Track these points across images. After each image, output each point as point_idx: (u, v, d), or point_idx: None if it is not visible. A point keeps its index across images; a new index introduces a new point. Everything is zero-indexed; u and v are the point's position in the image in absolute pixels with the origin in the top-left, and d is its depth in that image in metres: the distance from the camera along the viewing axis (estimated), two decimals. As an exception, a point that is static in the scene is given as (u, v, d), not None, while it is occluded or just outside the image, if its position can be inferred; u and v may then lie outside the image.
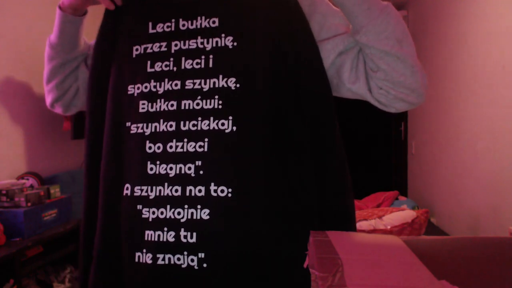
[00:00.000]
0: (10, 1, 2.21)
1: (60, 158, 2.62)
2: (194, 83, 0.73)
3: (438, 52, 3.35)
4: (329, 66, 0.77)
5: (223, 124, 0.71)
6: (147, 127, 0.74)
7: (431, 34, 3.54)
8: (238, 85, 0.71)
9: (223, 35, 0.73)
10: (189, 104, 0.73)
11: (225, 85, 0.71)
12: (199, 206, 0.70)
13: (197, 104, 0.72)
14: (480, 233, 2.54)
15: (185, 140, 0.72)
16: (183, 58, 0.75)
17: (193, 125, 0.72)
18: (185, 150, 0.72)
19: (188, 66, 0.74)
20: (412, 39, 0.76)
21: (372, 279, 0.44)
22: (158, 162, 0.73)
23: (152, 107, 0.75)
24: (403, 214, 2.49)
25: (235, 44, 0.72)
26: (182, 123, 0.72)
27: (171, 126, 0.73)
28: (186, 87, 0.73)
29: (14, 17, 2.24)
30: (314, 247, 0.53)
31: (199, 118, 0.72)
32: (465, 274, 0.49)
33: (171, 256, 0.70)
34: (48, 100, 0.94)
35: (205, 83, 0.72)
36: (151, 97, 0.75)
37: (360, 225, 2.48)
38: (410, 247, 0.54)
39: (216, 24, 0.74)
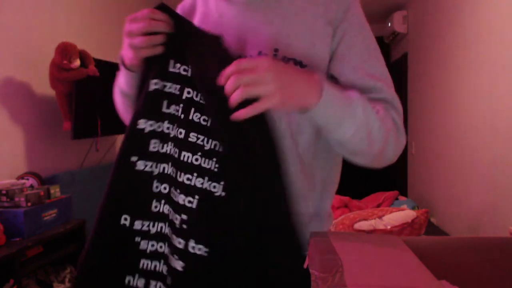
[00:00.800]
0: (10, 1, 2.21)
1: (60, 158, 2.62)
2: (197, 138, 0.72)
3: (438, 52, 3.35)
4: None
5: (214, 187, 0.72)
6: (156, 167, 0.75)
7: (431, 34, 3.54)
8: (233, 152, 0.71)
9: None
10: (188, 157, 0.73)
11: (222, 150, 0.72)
12: (176, 257, 0.73)
13: (196, 160, 0.72)
14: (480, 233, 2.54)
15: (178, 191, 0.73)
16: (192, 109, 0.73)
17: (188, 179, 0.72)
18: (175, 200, 0.73)
19: (196, 119, 0.73)
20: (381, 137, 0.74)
21: (372, 279, 0.44)
22: (163, 202, 0.75)
23: (162, 148, 0.75)
24: (403, 214, 2.49)
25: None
26: (179, 173, 0.73)
27: (173, 172, 0.74)
28: (189, 139, 0.73)
29: (14, 17, 2.24)
30: (314, 247, 0.53)
31: (195, 174, 0.72)
32: (465, 274, 0.49)
33: (161, 284, 0.75)
34: None
35: (207, 142, 0.72)
36: (163, 137, 0.75)
37: (360, 225, 2.48)
38: (410, 247, 0.54)
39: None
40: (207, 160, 0.72)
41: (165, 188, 0.75)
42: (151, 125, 0.75)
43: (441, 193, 3.31)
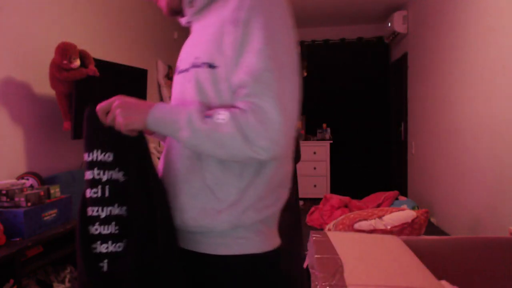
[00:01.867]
0: (10, 1, 2.21)
1: (60, 158, 2.62)
2: (93, 210, 0.86)
3: (438, 52, 3.35)
4: None
5: (119, 247, 0.86)
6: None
7: (431, 33, 3.54)
8: (129, 212, 0.87)
9: (117, 169, 0.88)
10: (89, 229, 0.87)
11: (119, 213, 0.87)
12: None
13: (96, 230, 0.86)
14: (480, 233, 2.54)
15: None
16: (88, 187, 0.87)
17: (94, 248, 0.86)
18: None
19: (89, 195, 0.86)
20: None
21: (372, 279, 0.44)
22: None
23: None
24: (403, 214, 2.49)
25: (125, 178, 0.88)
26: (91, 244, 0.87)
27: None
28: (88, 214, 0.87)
29: (14, 17, 2.24)
30: (314, 247, 0.53)
31: (98, 242, 0.86)
32: (465, 274, 0.49)
33: None
34: None
35: (102, 211, 0.86)
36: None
37: (360, 225, 2.48)
38: (410, 247, 0.54)
39: (111, 158, 0.88)
40: (106, 226, 0.87)
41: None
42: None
43: (441, 193, 3.31)
